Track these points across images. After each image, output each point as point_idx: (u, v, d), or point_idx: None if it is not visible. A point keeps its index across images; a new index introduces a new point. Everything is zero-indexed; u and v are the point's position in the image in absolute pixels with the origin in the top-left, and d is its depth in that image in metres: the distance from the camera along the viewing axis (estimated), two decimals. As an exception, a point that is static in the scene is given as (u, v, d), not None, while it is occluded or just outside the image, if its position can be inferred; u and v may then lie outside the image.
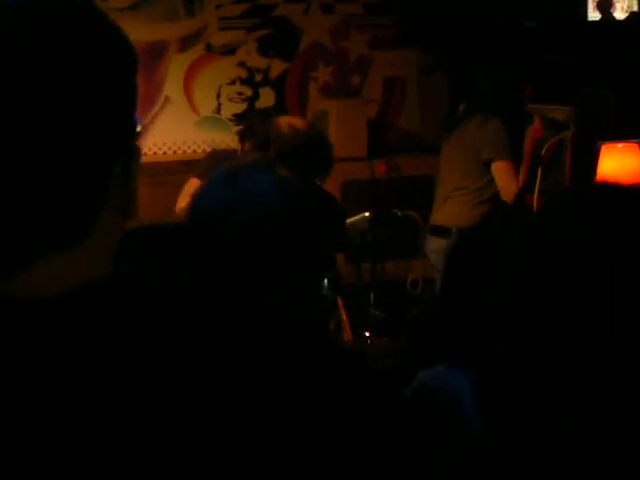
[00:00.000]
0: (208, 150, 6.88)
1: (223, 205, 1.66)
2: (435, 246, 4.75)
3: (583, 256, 1.19)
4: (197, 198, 1.74)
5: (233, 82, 7.48)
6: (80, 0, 0.93)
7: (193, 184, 4.02)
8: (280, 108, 7.44)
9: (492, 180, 4.73)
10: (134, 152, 0.95)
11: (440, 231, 4.79)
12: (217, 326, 0.92)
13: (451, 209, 4.80)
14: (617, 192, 1.30)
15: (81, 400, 0.85)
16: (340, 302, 3.25)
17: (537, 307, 1.20)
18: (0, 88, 0.86)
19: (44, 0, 0.91)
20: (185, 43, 7.31)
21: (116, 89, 0.92)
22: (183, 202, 3.79)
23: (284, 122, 3.50)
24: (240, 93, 7.49)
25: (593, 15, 9.82)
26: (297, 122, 3.50)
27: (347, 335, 3.21)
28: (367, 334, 4.42)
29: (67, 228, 0.89)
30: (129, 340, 0.88)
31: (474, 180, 4.76)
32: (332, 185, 7.10)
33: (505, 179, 4.70)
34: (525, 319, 1.20)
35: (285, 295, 1.64)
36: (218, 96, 7.43)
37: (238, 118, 7.29)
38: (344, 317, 3.19)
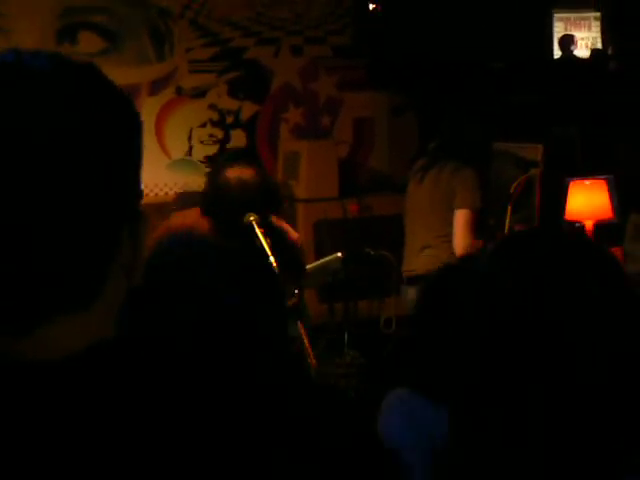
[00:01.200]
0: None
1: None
2: (415, 296, 4.51)
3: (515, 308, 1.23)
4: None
5: (204, 124, 7.52)
6: (92, 70, 0.97)
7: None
8: (251, 150, 7.48)
9: None
10: (141, 215, 0.97)
11: (420, 281, 4.53)
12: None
13: (430, 257, 4.68)
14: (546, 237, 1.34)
15: (87, 461, 0.87)
16: (301, 327, 3.26)
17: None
18: (19, 154, 0.88)
19: (62, 69, 0.94)
20: (156, 87, 7.35)
21: (124, 156, 0.95)
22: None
23: (232, 176, 3.47)
24: (211, 135, 7.53)
25: (558, 53, 9.97)
26: (245, 174, 3.44)
27: (311, 360, 3.23)
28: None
29: (77, 291, 0.91)
30: (132, 401, 0.90)
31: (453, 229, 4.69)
32: (304, 225, 7.15)
33: (460, 230, 4.61)
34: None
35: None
36: (189, 139, 7.46)
37: (210, 160, 7.32)
38: (306, 342, 3.21)
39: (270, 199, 3.41)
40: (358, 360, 3.42)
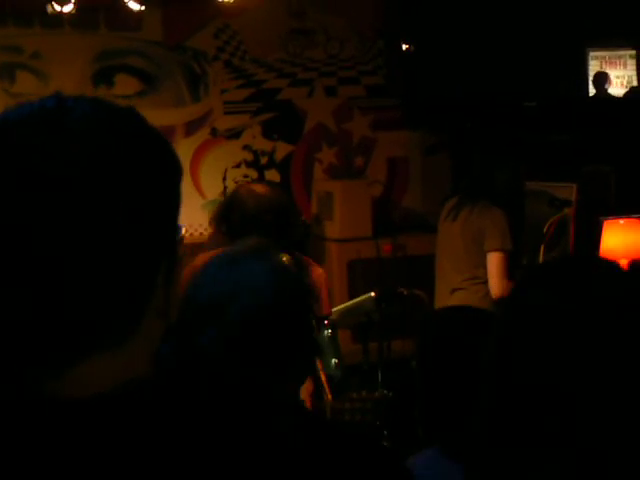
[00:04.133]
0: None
1: (222, 292, 1.69)
2: None
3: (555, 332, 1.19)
4: (195, 285, 1.75)
5: (239, 165, 7.58)
6: (132, 113, 0.98)
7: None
8: (285, 190, 7.52)
9: None
10: (176, 257, 0.99)
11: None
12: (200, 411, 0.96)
13: (461, 299, 4.69)
14: (587, 262, 1.31)
15: None
16: (319, 364, 3.26)
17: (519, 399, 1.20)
18: (62, 198, 0.90)
19: (103, 113, 0.96)
20: (191, 128, 7.43)
21: (164, 199, 0.97)
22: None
23: (244, 189, 3.58)
24: (246, 176, 7.58)
25: (593, 91, 9.93)
26: (258, 188, 3.57)
27: (327, 396, 3.22)
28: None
29: (113, 330, 0.93)
30: (158, 443, 0.92)
31: (484, 272, 4.70)
32: (338, 265, 7.16)
33: (495, 272, 4.62)
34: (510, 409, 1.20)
35: (277, 378, 1.67)
36: (224, 179, 7.51)
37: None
38: (323, 378, 3.20)
39: (283, 215, 3.42)
40: (374, 395, 3.41)
